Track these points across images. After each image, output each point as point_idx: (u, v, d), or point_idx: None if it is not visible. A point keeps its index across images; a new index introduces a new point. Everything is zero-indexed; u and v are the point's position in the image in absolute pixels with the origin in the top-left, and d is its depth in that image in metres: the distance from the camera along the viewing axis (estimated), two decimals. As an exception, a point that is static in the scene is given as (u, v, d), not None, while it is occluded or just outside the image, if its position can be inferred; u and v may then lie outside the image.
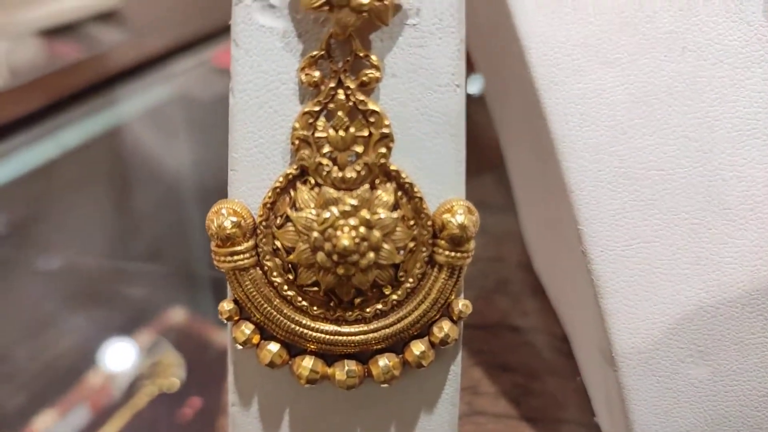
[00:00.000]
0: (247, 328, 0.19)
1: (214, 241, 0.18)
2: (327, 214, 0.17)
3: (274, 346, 0.19)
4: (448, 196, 0.18)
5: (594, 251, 0.21)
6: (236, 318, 0.19)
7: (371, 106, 0.17)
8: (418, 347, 0.19)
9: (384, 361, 0.19)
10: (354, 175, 0.17)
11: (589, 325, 0.23)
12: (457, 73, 0.18)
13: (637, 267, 0.21)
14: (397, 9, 0.17)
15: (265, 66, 0.17)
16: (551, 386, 0.27)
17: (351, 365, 0.19)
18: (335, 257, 0.17)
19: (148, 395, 0.48)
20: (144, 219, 0.59)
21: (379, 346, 0.19)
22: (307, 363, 0.19)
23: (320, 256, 0.17)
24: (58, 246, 0.54)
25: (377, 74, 0.17)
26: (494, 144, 0.32)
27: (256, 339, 0.19)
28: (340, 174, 0.17)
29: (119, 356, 0.51)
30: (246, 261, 0.18)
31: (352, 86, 0.17)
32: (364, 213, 0.17)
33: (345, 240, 0.17)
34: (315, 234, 0.17)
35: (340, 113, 0.17)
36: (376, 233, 0.17)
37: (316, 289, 0.18)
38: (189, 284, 0.57)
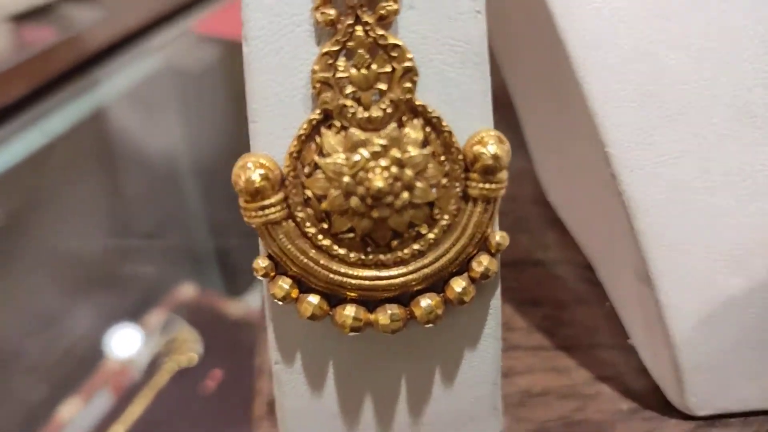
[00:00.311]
0: (284, 283, 0.18)
1: (243, 197, 0.17)
2: (357, 157, 0.17)
3: (314, 298, 0.18)
4: (476, 128, 0.18)
5: (623, 173, 0.21)
6: (272, 274, 0.18)
7: (392, 41, 0.17)
8: (458, 284, 0.19)
9: (426, 301, 0.18)
10: (380, 114, 0.17)
11: (620, 247, 0.23)
12: (477, -2, 0.17)
13: (667, 184, 0.21)
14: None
15: (277, 8, 0.17)
16: (581, 315, 0.27)
17: (393, 309, 0.18)
18: (369, 200, 0.17)
19: (169, 372, 0.48)
20: (140, 198, 0.58)
21: (419, 287, 0.18)
22: (350, 311, 0.18)
23: (354, 200, 0.17)
24: (58, 234, 0.54)
25: (395, 6, 0.16)
26: (500, 84, 0.31)
27: (294, 293, 0.18)
28: (366, 114, 0.17)
29: (135, 337, 0.51)
30: (277, 214, 0.17)
31: (371, 21, 0.16)
32: (395, 152, 0.17)
33: (378, 182, 0.17)
34: (346, 179, 0.17)
35: (360, 51, 0.17)
36: (409, 172, 0.17)
37: (351, 235, 0.18)
38: (194, 260, 0.57)
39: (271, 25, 0.17)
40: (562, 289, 0.29)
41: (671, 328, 0.21)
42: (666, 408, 0.24)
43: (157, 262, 0.56)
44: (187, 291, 0.54)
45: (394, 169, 0.17)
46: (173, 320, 0.52)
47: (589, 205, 0.27)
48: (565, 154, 0.27)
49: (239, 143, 0.20)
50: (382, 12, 0.16)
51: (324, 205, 0.17)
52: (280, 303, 0.18)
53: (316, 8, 0.17)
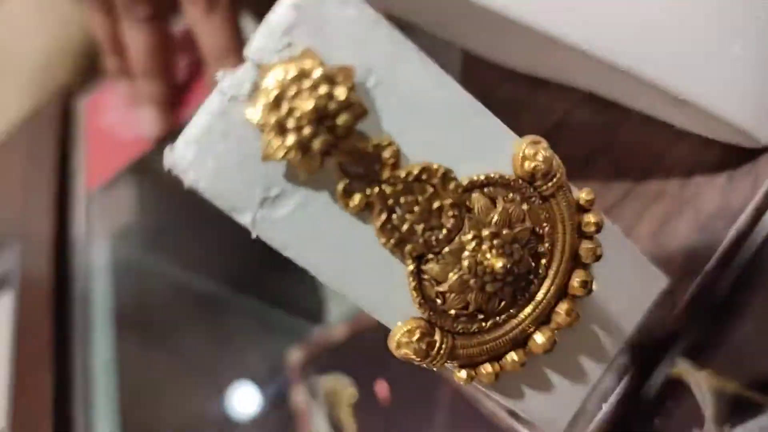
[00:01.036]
0: (461, 372, 0.20)
1: (414, 360, 0.19)
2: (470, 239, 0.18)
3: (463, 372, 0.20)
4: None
5: None
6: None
7: (415, 170, 0.17)
8: (562, 309, 0.20)
9: (540, 338, 0.20)
10: (451, 222, 0.18)
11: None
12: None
13: None
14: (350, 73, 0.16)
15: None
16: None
17: (514, 356, 0.20)
18: (487, 277, 0.18)
19: (351, 416, 0.51)
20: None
21: (532, 329, 0.20)
22: (488, 369, 0.20)
23: (472, 279, 0.18)
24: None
25: (394, 146, 0.17)
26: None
27: (471, 375, 0.20)
28: (444, 231, 0.18)
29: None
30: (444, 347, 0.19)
31: (387, 174, 0.17)
32: (492, 228, 0.18)
33: (499, 262, 0.18)
34: (466, 262, 0.18)
35: (402, 199, 0.17)
36: (517, 246, 0.18)
37: (466, 311, 0.19)
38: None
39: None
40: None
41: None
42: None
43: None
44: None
45: (506, 247, 0.18)
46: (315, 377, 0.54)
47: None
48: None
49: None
50: (389, 157, 0.17)
51: (441, 287, 0.18)
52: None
53: (341, 198, 0.17)
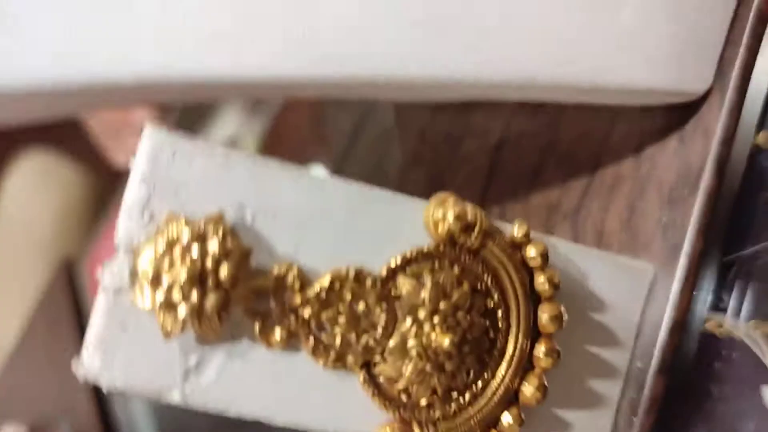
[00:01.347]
0: None
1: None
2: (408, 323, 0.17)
3: None
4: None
5: None
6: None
7: (324, 283, 0.16)
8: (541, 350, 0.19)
9: (529, 389, 0.19)
10: (382, 318, 0.17)
11: None
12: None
13: None
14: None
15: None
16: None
17: (509, 418, 0.19)
18: (442, 358, 0.17)
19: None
20: None
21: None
22: None
23: (428, 365, 0.17)
24: None
25: (294, 270, 0.16)
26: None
27: None
28: (380, 329, 0.17)
29: None
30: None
31: (298, 299, 0.16)
32: (427, 307, 0.17)
33: (446, 338, 0.17)
34: (413, 347, 0.17)
35: (323, 315, 0.17)
36: (461, 313, 0.17)
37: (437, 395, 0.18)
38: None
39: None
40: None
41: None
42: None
43: None
44: None
45: (449, 320, 0.17)
46: None
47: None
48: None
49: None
50: (293, 281, 0.16)
51: (400, 384, 0.17)
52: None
53: (262, 340, 0.16)
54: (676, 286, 0.25)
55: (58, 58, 0.19)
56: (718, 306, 0.27)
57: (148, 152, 0.15)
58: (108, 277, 0.15)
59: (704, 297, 0.28)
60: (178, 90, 0.20)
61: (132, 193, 0.15)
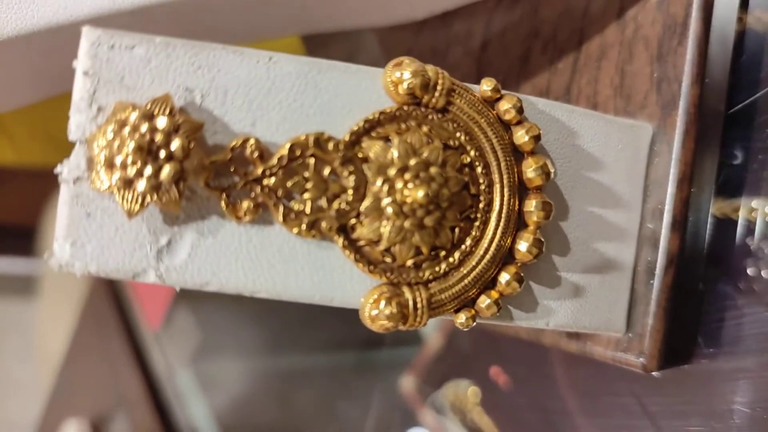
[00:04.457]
0: (459, 317, 0.19)
1: (395, 327, 0.18)
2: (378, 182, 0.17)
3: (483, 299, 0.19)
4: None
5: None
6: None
7: (284, 151, 0.16)
8: (532, 204, 0.19)
9: (524, 245, 0.19)
10: (351, 179, 0.17)
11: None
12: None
13: None
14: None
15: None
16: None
17: (506, 276, 0.19)
18: (419, 212, 0.17)
19: (479, 414, 0.49)
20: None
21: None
22: (485, 301, 0.19)
23: (406, 221, 0.17)
24: None
25: (251, 141, 0.16)
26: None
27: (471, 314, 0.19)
28: (351, 192, 0.17)
29: None
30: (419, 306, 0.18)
31: (260, 169, 0.16)
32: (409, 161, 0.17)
33: (419, 191, 0.17)
34: (388, 206, 0.17)
35: (289, 183, 0.16)
36: (433, 169, 0.17)
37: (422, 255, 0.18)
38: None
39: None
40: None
41: None
42: None
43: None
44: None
45: (422, 175, 0.17)
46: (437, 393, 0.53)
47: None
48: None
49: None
50: (252, 152, 0.16)
51: (382, 246, 0.17)
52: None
53: (230, 214, 0.16)
54: (677, 139, 0.24)
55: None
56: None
57: (86, 48, 0.15)
58: (66, 170, 0.15)
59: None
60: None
61: (77, 88, 0.15)
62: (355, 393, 0.55)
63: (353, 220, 0.17)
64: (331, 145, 0.17)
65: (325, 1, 0.28)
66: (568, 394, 0.35)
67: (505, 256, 0.19)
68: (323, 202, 0.17)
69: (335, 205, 0.17)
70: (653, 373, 0.24)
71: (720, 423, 0.25)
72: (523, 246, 0.19)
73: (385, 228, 0.17)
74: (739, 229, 0.26)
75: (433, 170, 0.17)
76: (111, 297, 0.63)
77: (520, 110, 0.19)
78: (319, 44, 0.39)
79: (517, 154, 0.19)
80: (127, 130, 0.15)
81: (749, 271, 0.26)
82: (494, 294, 0.19)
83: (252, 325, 0.54)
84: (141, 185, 0.15)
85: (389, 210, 0.17)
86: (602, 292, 0.22)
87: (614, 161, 0.23)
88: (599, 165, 0.22)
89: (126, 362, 0.56)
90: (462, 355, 0.52)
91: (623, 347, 0.24)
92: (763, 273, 0.25)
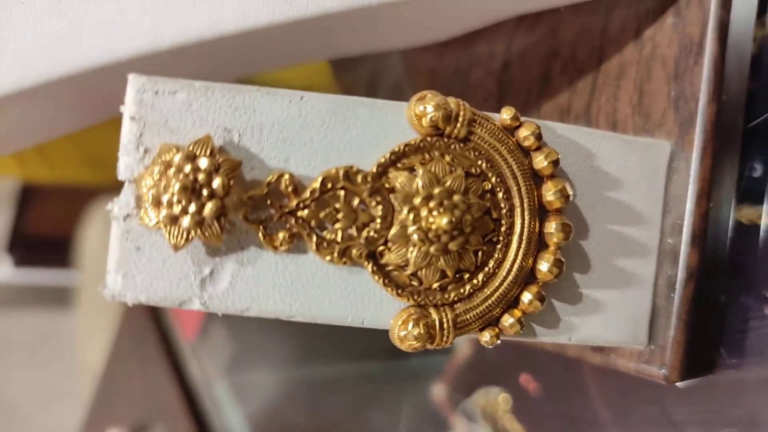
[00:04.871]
0: (484, 335, 0.20)
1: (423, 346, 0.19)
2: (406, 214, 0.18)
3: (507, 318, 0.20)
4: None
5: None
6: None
7: (316, 184, 0.18)
8: (552, 226, 0.20)
9: (545, 265, 0.20)
10: (379, 209, 0.18)
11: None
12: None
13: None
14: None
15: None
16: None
17: (528, 295, 0.20)
18: (444, 238, 0.18)
19: (510, 421, 0.50)
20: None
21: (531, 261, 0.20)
22: (509, 320, 0.20)
23: (432, 247, 0.18)
24: None
25: (286, 176, 0.17)
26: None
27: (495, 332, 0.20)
28: (379, 221, 0.18)
29: None
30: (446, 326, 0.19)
31: (294, 201, 0.17)
32: (422, 194, 0.18)
33: (443, 218, 0.18)
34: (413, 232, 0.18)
35: (321, 214, 0.18)
36: (456, 197, 0.18)
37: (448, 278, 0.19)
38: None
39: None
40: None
41: None
42: None
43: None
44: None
45: (445, 203, 0.18)
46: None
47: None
48: None
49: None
50: (286, 186, 0.17)
51: (409, 270, 0.18)
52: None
53: (267, 244, 0.17)
54: (695, 156, 0.24)
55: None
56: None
57: (133, 94, 0.17)
58: (117, 208, 0.17)
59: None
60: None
61: (125, 132, 0.17)
62: (386, 401, 0.55)
63: (381, 247, 0.18)
64: (359, 178, 0.18)
65: (351, 29, 0.29)
66: (598, 403, 0.35)
67: (527, 276, 0.20)
68: (353, 231, 0.18)
69: (365, 233, 0.18)
70: (678, 384, 0.25)
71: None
72: (544, 266, 0.20)
73: (412, 254, 0.18)
74: (762, 238, 0.27)
75: (456, 198, 0.18)
76: (148, 309, 0.65)
77: (538, 137, 0.20)
78: (345, 66, 0.41)
79: (537, 179, 0.20)
80: (172, 170, 0.16)
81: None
82: (517, 313, 0.20)
83: (283, 336, 0.55)
84: (186, 221, 0.16)
85: (415, 237, 0.18)
86: (623, 307, 0.23)
87: (633, 180, 0.23)
88: (618, 184, 0.23)
89: (163, 372, 0.58)
90: (492, 363, 0.53)
91: (645, 359, 0.25)
92: None
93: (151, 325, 0.63)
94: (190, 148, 0.16)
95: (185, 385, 0.57)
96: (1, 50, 0.22)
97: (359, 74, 0.40)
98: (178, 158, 0.16)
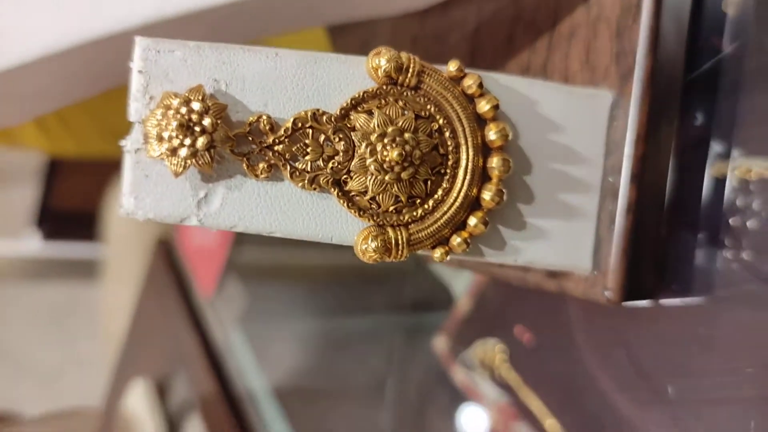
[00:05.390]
0: (435, 252, 0.23)
1: (382, 258, 0.23)
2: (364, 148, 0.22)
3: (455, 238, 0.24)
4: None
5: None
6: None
7: (288, 124, 0.21)
8: (493, 162, 0.23)
9: (487, 194, 0.23)
10: (342, 144, 0.22)
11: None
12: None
13: None
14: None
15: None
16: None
17: (473, 219, 0.24)
18: (396, 168, 0.22)
19: (507, 371, 0.54)
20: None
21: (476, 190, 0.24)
22: (456, 239, 0.23)
23: (388, 175, 0.22)
24: None
25: (264, 117, 0.21)
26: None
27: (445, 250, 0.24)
28: (342, 154, 0.22)
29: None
30: (401, 242, 0.23)
31: (271, 138, 0.21)
32: (378, 131, 0.22)
33: (394, 152, 0.22)
34: (372, 167, 0.22)
35: (294, 148, 0.22)
36: (407, 134, 0.22)
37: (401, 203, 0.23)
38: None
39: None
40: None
41: None
42: None
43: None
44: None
45: (397, 139, 0.22)
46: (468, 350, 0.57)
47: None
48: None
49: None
50: (264, 125, 0.21)
51: (368, 196, 0.22)
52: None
53: (250, 173, 0.21)
54: (633, 104, 0.28)
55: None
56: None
57: (139, 53, 0.21)
58: (129, 143, 0.21)
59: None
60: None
61: (134, 83, 0.21)
62: (393, 353, 0.59)
63: (345, 176, 0.22)
64: (325, 119, 0.22)
65: (340, 1, 0.33)
66: (584, 347, 0.39)
67: (473, 204, 0.24)
68: (320, 163, 0.22)
69: (330, 164, 0.22)
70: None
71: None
72: (487, 195, 0.24)
73: (370, 181, 0.22)
74: (706, 184, 0.30)
75: (407, 135, 0.22)
76: (169, 272, 0.70)
77: (480, 85, 0.23)
78: (340, 32, 0.44)
79: (481, 122, 0.24)
80: (171, 112, 0.20)
81: (712, 220, 0.30)
82: (464, 234, 0.23)
83: (294, 293, 0.60)
84: (183, 152, 0.20)
85: (372, 167, 0.22)
86: (567, 235, 0.27)
87: (575, 125, 0.27)
88: (560, 128, 0.27)
89: (184, 326, 0.63)
90: (489, 316, 0.56)
91: (591, 284, 0.29)
92: (731, 222, 0.29)
93: (171, 285, 0.68)
94: (186, 95, 0.20)
95: (204, 336, 0.62)
96: (22, 21, 0.26)
97: (352, 38, 0.43)
98: (176, 102, 0.20)
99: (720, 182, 0.30)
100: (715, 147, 0.30)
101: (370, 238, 0.22)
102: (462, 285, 0.54)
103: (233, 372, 0.60)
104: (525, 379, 0.52)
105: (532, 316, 0.51)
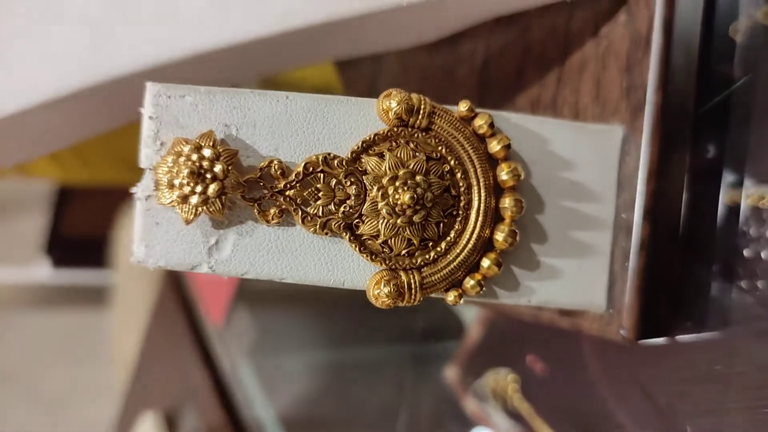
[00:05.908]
0: (449, 295, 0.23)
1: (394, 303, 0.22)
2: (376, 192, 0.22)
3: (468, 281, 0.23)
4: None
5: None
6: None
7: (299, 168, 0.21)
8: (506, 203, 0.23)
9: (500, 235, 0.23)
10: (353, 188, 0.22)
11: None
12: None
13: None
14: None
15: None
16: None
17: (486, 261, 0.23)
18: (408, 211, 0.22)
19: (519, 401, 0.53)
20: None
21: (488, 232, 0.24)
22: (470, 282, 0.23)
23: (399, 219, 0.22)
24: None
25: (275, 162, 0.21)
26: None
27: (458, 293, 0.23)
28: (353, 198, 0.22)
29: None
30: (414, 286, 0.22)
31: (282, 183, 0.21)
32: (389, 175, 0.22)
33: (406, 195, 0.21)
34: (383, 211, 0.22)
35: (305, 193, 0.21)
36: (419, 177, 0.22)
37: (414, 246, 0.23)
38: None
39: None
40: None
41: None
42: None
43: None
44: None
45: (409, 182, 0.21)
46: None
47: None
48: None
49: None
50: (276, 170, 0.21)
51: (380, 239, 0.22)
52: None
53: (261, 218, 0.21)
54: (644, 139, 0.28)
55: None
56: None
57: (150, 98, 0.21)
58: (140, 190, 0.21)
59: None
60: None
61: (145, 129, 0.21)
62: (405, 383, 0.59)
63: (357, 220, 0.22)
64: (336, 162, 0.21)
65: (347, 36, 0.33)
66: (597, 380, 0.38)
67: (486, 245, 0.24)
68: (332, 207, 0.21)
69: (342, 209, 0.21)
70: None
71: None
72: (500, 236, 0.23)
73: (382, 225, 0.22)
74: (720, 215, 0.30)
75: (418, 178, 0.22)
76: (178, 300, 0.70)
77: (491, 125, 0.23)
78: (348, 66, 0.44)
79: (493, 162, 0.24)
80: (182, 159, 0.20)
81: (726, 251, 0.29)
82: (477, 276, 0.23)
83: (304, 323, 0.59)
84: (194, 200, 0.20)
85: (384, 211, 0.21)
86: (580, 274, 0.27)
87: (586, 161, 0.27)
88: (571, 166, 0.26)
89: (193, 358, 0.62)
90: (500, 346, 0.55)
91: (606, 322, 0.28)
92: (745, 252, 0.29)
93: (180, 315, 0.67)
94: (197, 141, 0.20)
95: (213, 368, 0.61)
96: (41, 62, 0.27)
97: (360, 71, 0.43)
98: (187, 149, 0.20)
99: (733, 211, 0.29)
100: (728, 176, 0.30)
101: (382, 283, 0.22)
102: (472, 312, 0.54)
103: (241, 402, 0.59)
104: (537, 410, 0.51)
105: (545, 345, 0.51)
